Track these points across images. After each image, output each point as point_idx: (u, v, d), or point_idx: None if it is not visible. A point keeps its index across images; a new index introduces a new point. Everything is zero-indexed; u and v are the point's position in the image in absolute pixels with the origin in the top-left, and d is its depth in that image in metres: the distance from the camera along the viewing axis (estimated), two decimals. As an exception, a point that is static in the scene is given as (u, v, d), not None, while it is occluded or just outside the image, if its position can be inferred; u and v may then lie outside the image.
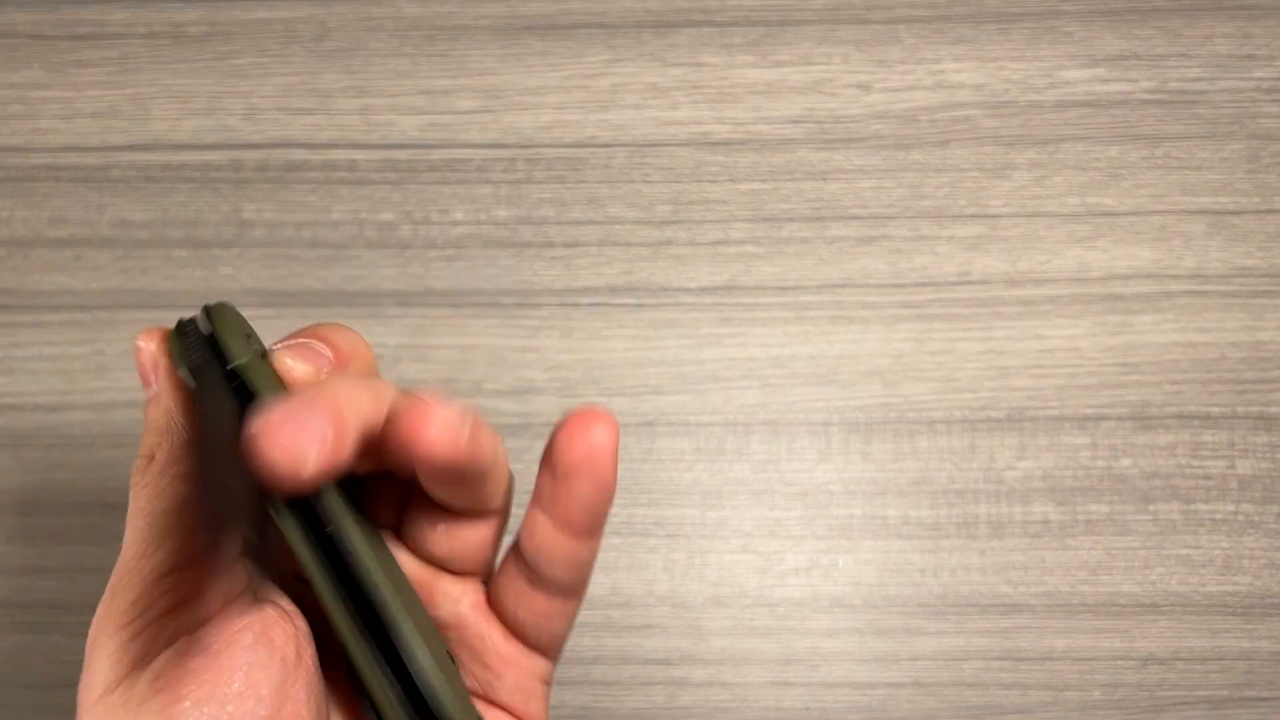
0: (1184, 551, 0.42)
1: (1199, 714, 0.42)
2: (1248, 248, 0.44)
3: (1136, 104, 0.44)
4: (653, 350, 0.43)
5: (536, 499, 0.23)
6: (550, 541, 0.23)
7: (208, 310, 0.23)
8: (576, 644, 0.42)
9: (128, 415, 0.43)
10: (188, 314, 0.24)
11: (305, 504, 0.21)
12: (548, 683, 0.25)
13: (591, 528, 0.23)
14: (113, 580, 0.21)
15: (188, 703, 0.19)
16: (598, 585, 0.42)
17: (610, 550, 0.42)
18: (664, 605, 0.42)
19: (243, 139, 0.45)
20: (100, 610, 0.21)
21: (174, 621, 0.20)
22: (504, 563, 0.24)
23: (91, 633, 0.21)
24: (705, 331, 0.44)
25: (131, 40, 0.46)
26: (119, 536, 0.43)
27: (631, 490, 0.43)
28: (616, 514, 0.43)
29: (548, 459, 0.22)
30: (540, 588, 0.23)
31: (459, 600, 0.24)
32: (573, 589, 0.24)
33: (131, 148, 0.45)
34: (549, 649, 0.24)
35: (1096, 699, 0.42)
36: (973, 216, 0.44)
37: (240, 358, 0.22)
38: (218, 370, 0.21)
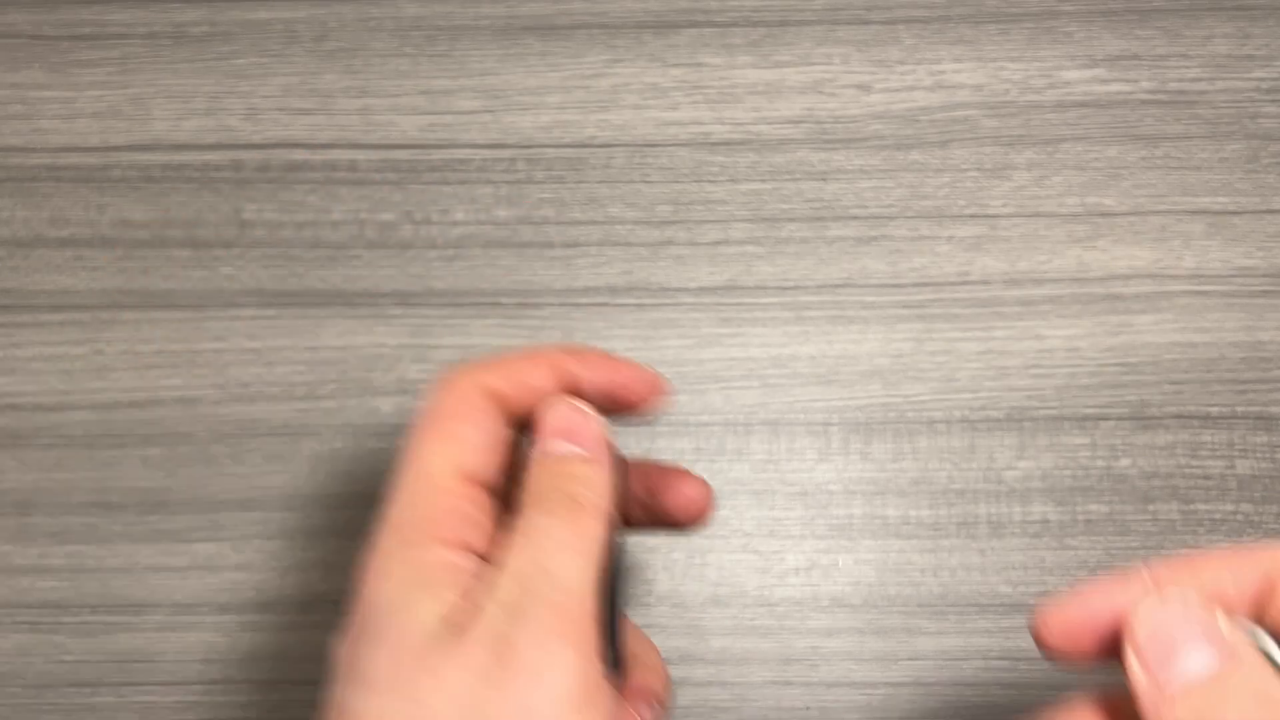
0: (1183, 551, 0.42)
1: (1198, 713, 0.42)
2: (1247, 248, 0.44)
3: (1136, 104, 0.45)
4: (653, 350, 0.43)
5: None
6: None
7: None
8: (577, 644, 0.42)
9: (128, 415, 0.43)
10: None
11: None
12: None
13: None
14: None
15: None
16: (598, 585, 0.42)
17: (610, 550, 0.43)
18: (664, 605, 0.42)
19: (243, 139, 0.45)
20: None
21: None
22: None
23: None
24: (705, 331, 0.44)
25: (132, 40, 0.46)
26: (119, 536, 0.43)
27: (632, 490, 0.43)
28: (617, 514, 0.43)
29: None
30: None
31: None
32: None
33: (132, 148, 0.45)
34: None
35: (1096, 698, 0.42)
36: (972, 217, 0.44)
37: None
38: None
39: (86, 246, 0.44)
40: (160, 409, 0.43)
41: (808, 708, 0.42)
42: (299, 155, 0.45)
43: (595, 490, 0.27)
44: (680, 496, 0.28)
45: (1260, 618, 0.22)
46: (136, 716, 0.42)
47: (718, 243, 0.44)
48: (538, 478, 0.27)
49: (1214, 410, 0.43)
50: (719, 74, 0.45)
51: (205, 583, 0.42)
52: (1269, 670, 0.19)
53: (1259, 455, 0.43)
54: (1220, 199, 0.44)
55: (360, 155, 0.45)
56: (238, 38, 0.46)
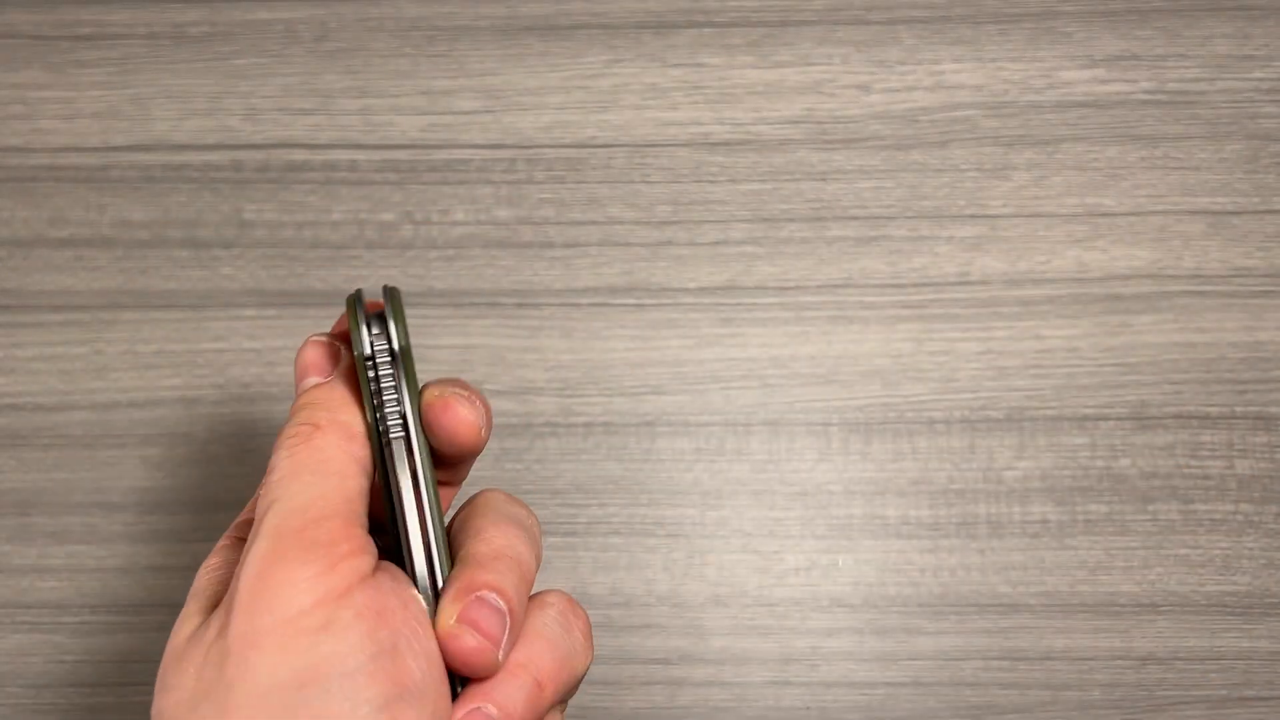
0: (1183, 551, 0.42)
1: (1197, 713, 0.42)
2: (1247, 248, 0.44)
3: (1135, 104, 0.45)
4: (653, 350, 0.43)
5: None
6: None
7: (386, 290, 0.27)
8: (576, 644, 0.42)
9: (127, 415, 0.43)
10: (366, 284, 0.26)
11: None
12: None
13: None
14: (277, 524, 0.23)
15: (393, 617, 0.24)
16: (598, 585, 0.42)
17: (610, 550, 0.43)
18: (664, 605, 0.42)
19: (243, 139, 0.45)
20: (269, 554, 0.23)
21: (360, 558, 0.24)
22: None
23: (257, 573, 0.23)
24: (705, 331, 0.44)
25: (132, 40, 0.46)
26: (119, 536, 0.43)
27: (631, 490, 0.43)
28: (616, 514, 0.43)
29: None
30: None
31: None
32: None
33: (132, 148, 0.45)
34: None
35: (1095, 698, 0.42)
36: (972, 217, 0.44)
37: (401, 341, 0.26)
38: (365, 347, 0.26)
39: (86, 246, 0.44)
40: (160, 409, 0.43)
41: (808, 708, 0.42)
42: (299, 155, 0.45)
43: (330, 408, 0.26)
44: (447, 418, 0.26)
45: None
46: (135, 717, 0.42)
47: (717, 243, 0.44)
48: (287, 422, 0.26)
49: (1213, 410, 0.43)
50: (719, 74, 0.45)
51: (205, 583, 0.42)
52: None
53: (1258, 455, 0.43)
54: (1220, 199, 0.44)
55: (360, 155, 0.45)
56: (238, 38, 0.46)
